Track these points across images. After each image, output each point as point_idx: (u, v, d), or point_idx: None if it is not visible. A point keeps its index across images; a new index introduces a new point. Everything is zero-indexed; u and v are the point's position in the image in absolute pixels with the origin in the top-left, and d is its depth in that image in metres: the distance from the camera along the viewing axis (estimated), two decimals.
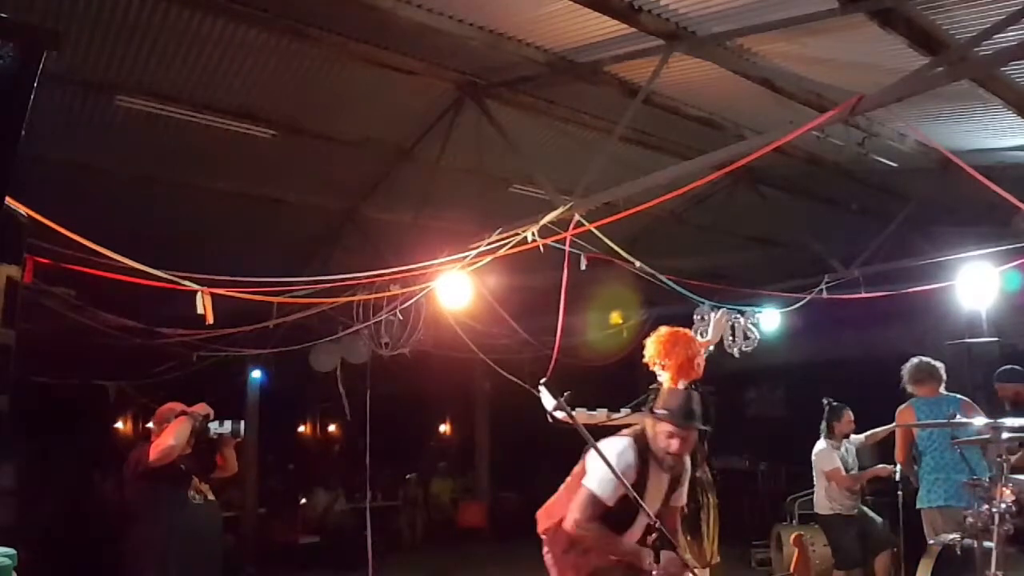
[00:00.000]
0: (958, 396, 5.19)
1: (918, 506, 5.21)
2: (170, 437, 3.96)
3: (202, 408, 4.22)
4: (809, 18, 3.70)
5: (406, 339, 6.57)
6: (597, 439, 3.03)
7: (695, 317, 6.46)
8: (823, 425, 6.05)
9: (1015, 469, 3.95)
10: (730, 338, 6.67)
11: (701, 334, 6.04)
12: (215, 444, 4.27)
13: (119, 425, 12.12)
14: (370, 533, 7.46)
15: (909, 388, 5.41)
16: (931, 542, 4.76)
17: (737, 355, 6.74)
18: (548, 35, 4.29)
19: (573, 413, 2.59)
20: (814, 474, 6.06)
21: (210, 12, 4.03)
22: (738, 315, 6.83)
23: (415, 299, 5.50)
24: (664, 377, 4.36)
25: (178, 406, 4.30)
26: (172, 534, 4.03)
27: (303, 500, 11.18)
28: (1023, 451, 4.45)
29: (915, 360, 5.42)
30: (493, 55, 4.46)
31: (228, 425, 4.20)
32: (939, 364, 5.35)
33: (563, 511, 3.19)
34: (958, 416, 4.56)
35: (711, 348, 6.53)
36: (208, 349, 7.06)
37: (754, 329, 6.87)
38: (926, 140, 5.10)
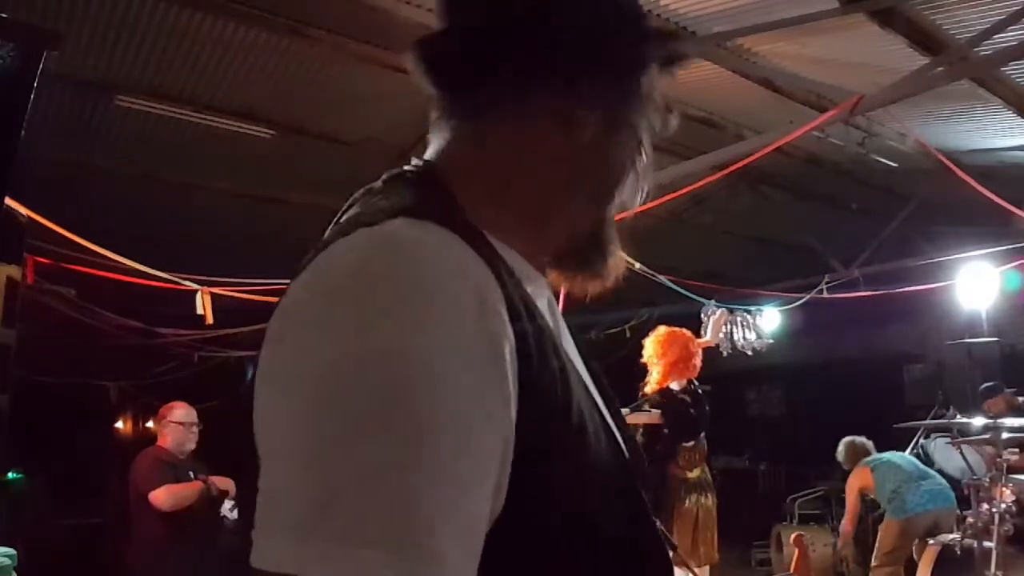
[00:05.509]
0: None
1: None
2: (176, 497, 3.89)
3: (223, 483, 4.06)
4: (809, 18, 3.70)
5: None
6: None
7: (702, 316, 6.48)
8: None
9: (1013, 469, 3.96)
10: (736, 338, 6.69)
11: (704, 332, 6.07)
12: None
13: (120, 425, 12.11)
14: None
15: (846, 466, 5.78)
16: (931, 542, 4.77)
17: (751, 353, 6.76)
18: None
19: None
20: None
21: (210, 12, 4.03)
22: (745, 314, 6.84)
23: None
24: (654, 372, 4.36)
25: (182, 406, 4.28)
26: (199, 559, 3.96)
27: None
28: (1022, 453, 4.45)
29: (847, 440, 5.83)
30: None
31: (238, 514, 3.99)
32: (868, 440, 5.77)
33: None
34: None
35: (727, 347, 6.60)
36: (209, 349, 7.06)
37: (760, 329, 6.90)
38: (923, 143, 5.10)
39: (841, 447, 5.81)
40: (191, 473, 4.03)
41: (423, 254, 0.57)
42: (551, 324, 0.71)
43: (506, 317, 0.58)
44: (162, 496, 3.89)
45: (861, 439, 5.78)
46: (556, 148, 0.73)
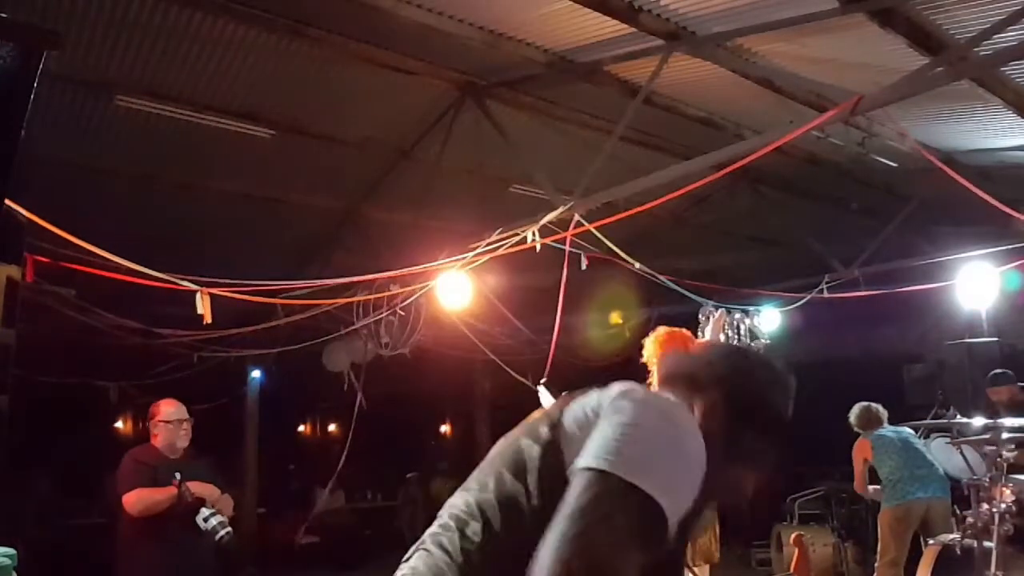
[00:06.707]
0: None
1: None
2: (144, 502, 3.81)
3: (201, 489, 3.95)
4: (809, 18, 3.70)
5: (406, 339, 6.57)
6: None
7: (700, 317, 6.47)
8: None
9: (1013, 469, 3.95)
10: (735, 339, 6.68)
11: (702, 333, 6.07)
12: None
13: (120, 425, 12.12)
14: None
15: (856, 429, 5.82)
16: (931, 542, 4.77)
17: None
18: (548, 35, 4.29)
19: None
20: None
21: (210, 12, 4.03)
22: (743, 314, 6.84)
23: (413, 298, 5.50)
24: (654, 372, 4.35)
25: (170, 403, 4.24)
26: (171, 554, 3.92)
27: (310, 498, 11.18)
28: (1021, 451, 4.45)
29: (864, 404, 5.84)
30: (493, 55, 4.45)
31: (213, 522, 3.82)
32: (883, 410, 5.82)
33: None
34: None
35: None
36: (209, 350, 7.05)
37: (760, 329, 6.90)
38: (919, 147, 5.10)
39: (856, 409, 5.84)
40: (177, 475, 3.90)
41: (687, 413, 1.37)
42: None
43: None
44: (131, 500, 3.83)
45: (876, 407, 5.79)
46: (734, 470, 1.46)
